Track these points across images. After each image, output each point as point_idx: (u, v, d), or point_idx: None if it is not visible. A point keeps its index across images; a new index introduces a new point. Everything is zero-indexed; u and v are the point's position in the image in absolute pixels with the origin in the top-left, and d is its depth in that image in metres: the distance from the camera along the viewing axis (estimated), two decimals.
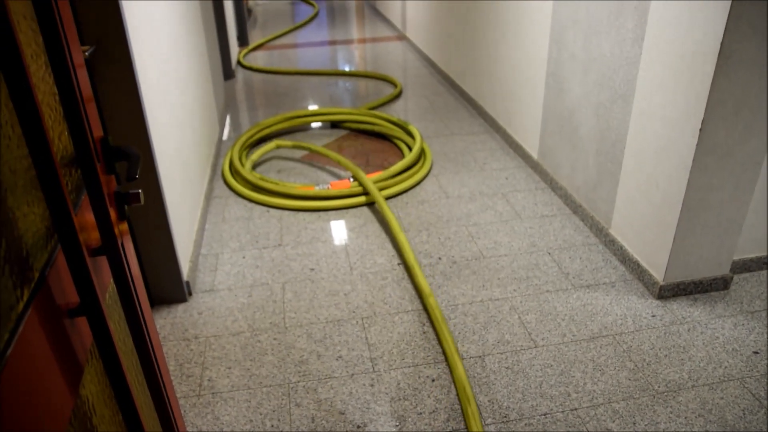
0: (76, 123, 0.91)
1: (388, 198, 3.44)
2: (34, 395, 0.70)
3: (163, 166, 2.43)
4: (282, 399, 2.08)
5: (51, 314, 0.78)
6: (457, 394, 2.05)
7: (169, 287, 2.57)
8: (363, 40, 7.87)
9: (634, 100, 2.55)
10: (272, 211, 3.36)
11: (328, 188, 3.42)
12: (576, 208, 3.19)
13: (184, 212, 2.78)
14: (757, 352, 2.23)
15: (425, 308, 2.49)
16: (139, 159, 1.09)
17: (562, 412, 1.99)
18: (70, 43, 0.93)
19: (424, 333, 2.37)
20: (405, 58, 6.79)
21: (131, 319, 1.11)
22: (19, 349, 0.68)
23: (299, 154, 4.14)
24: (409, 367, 2.20)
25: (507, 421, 1.96)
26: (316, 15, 9.98)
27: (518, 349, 2.27)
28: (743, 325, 2.37)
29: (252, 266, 2.85)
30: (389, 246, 2.97)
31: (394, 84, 5.68)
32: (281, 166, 3.95)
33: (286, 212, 3.34)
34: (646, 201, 2.54)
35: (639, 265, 2.63)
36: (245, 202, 3.47)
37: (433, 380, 2.14)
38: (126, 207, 1.23)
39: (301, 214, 3.32)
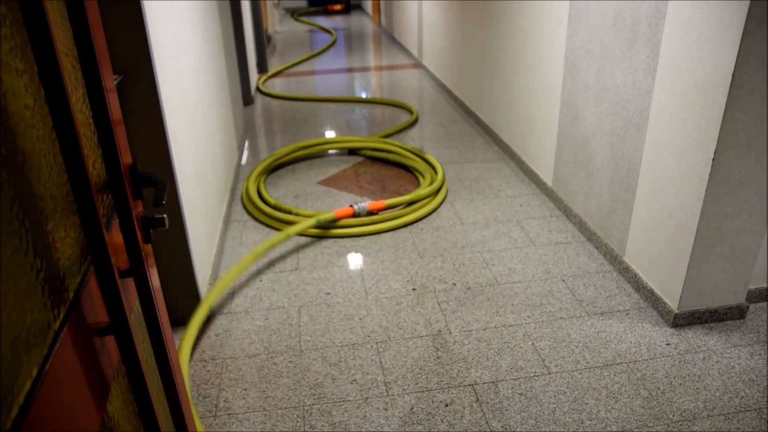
0: (110, 152, 0.97)
1: (404, 225, 3.47)
2: (67, 409, 0.74)
3: (184, 191, 2.49)
4: (297, 421, 2.10)
5: (83, 333, 0.83)
6: None
7: (188, 309, 2.62)
8: (380, 68, 8.00)
9: (647, 129, 2.59)
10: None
11: (366, 205, 3.50)
12: (590, 236, 3.20)
13: (204, 235, 2.84)
14: None
15: None
16: (165, 186, 1.14)
17: None
18: (105, 76, 0.99)
19: (438, 358, 2.39)
20: (421, 85, 6.88)
21: (155, 339, 1.16)
22: (55, 365, 0.72)
23: (317, 178, 4.20)
24: (423, 391, 2.22)
25: None
26: (333, 43, 10.17)
27: (532, 375, 2.28)
28: (760, 354, 2.36)
29: (269, 290, 2.89)
30: (404, 271, 3.01)
31: (410, 111, 5.76)
32: (299, 190, 4.01)
33: (303, 236, 3.39)
34: (660, 229, 2.56)
35: (653, 293, 2.63)
36: (263, 226, 3.53)
37: (446, 405, 2.15)
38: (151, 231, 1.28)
39: (317, 238, 3.36)
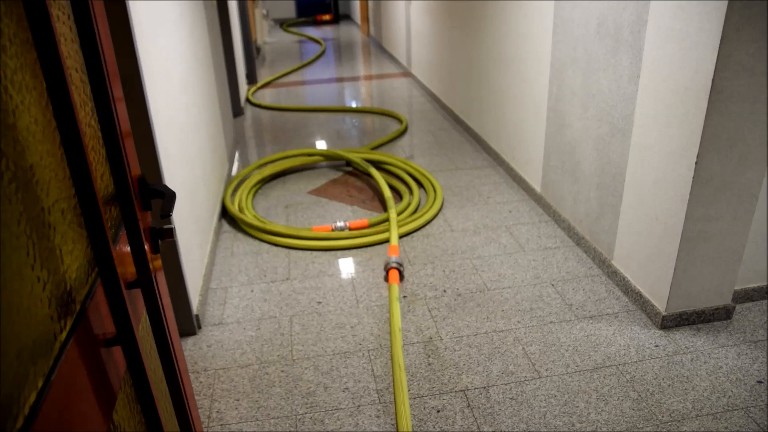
0: (118, 164, 0.98)
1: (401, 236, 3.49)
2: (73, 419, 0.75)
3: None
4: (289, 431, 2.10)
5: (90, 343, 0.84)
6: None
7: (180, 320, 2.62)
8: (369, 77, 8.04)
9: (632, 134, 2.62)
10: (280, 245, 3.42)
11: (347, 224, 3.48)
12: (579, 240, 3.23)
13: (194, 247, 2.85)
14: (761, 382, 2.24)
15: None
16: (174, 198, 1.15)
17: None
18: (113, 90, 1.00)
19: (429, 364, 2.40)
20: (410, 94, 6.93)
21: (162, 349, 1.16)
22: (61, 375, 0.73)
23: (307, 187, 4.22)
24: (415, 398, 2.23)
25: None
26: (322, 53, 10.21)
27: (522, 379, 2.30)
28: (747, 354, 2.39)
29: (260, 300, 2.90)
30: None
31: (399, 120, 5.79)
32: (288, 200, 4.02)
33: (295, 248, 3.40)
34: (647, 232, 2.59)
35: (641, 296, 2.66)
36: (253, 237, 3.54)
37: (438, 411, 2.16)
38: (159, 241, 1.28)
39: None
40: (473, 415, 2.13)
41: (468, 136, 5.24)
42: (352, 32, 13.02)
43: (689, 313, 2.55)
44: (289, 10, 16.27)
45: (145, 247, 1.08)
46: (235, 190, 4.19)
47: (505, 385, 2.28)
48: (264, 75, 8.43)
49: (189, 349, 2.56)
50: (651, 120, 2.47)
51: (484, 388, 2.26)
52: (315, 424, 2.13)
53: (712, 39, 2.06)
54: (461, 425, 2.09)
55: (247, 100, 6.92)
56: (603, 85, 2.82)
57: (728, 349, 2.42)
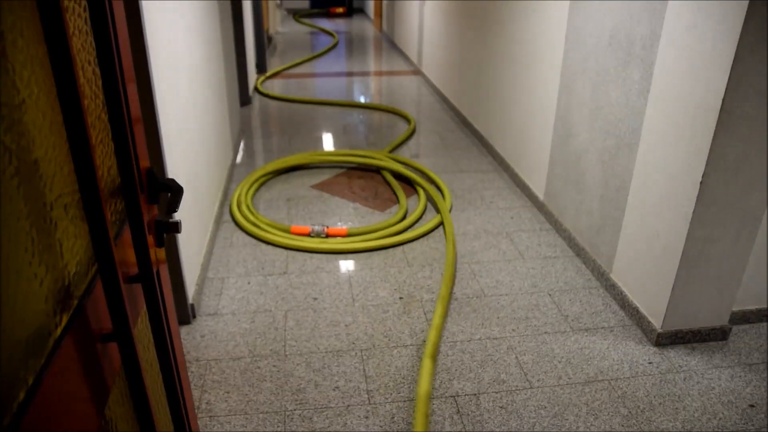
0: (125, 157, 0.97)
1: (405, 242, 3.49)
2: (64, 415, 0.74)
3: None
4: (277, 426, 2.11)
5: (85, 339, 0.83)
6: None
7: (176, 309, 2.62)
8: (379, 73, 8.03)
9: (638, 149, 2.61)
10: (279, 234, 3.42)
11: (325, 229, 3.41)
12: (579, 251, 3.22)
13: (193, 235, 2.84)
14: (753, 406, 2.24)
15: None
16: (181, 192, 1.15)
17: None
18: (126, 82, 0.99)
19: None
20: (419, 92, 6.91)
21: (160, 345, 1.16)
22: (53, 372, 0.72)
23: (311, 181, 4.21)
24: (405, 401, 2.23)
25: None
26: (335, 45, 10.19)
27: (513, 389, 2.30)
28: (740, 377, 2.38)
29: (256, 292, 2.90)
30: (392, 279, 3.02)
31: (407, 119, 5.76)
32: (291, 194, 4.02)
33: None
34: (647, 248, 2.58)
35: (638, 312, 2.66)
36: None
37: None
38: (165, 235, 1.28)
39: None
40: (462, 422, 2.13)
41: (474, 138, 5.23)
42: (364, 27, 12.99)
43: (685, 332, 2.54)
44: (302, 1, 16.23)
45: (149, 240, 1.07)
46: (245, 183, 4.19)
47: (496, 393, 2.28)
48: (274, 64, 8.42)
49: (182, 339, 2.56)
50: (658, 136, 2.46)
51: (475, 395, 2.26)
52: (303, 421, 2.13)
53: (725, 59, 2.05)
54: (450, 431, 2.09)
55: (256, 89, 6.91)
56: (612, 97, 2.81)
57: (722, 371, 2.41)
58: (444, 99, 6.40)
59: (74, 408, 0.77)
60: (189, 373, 2.36)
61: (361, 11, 16.17)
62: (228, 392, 2.26)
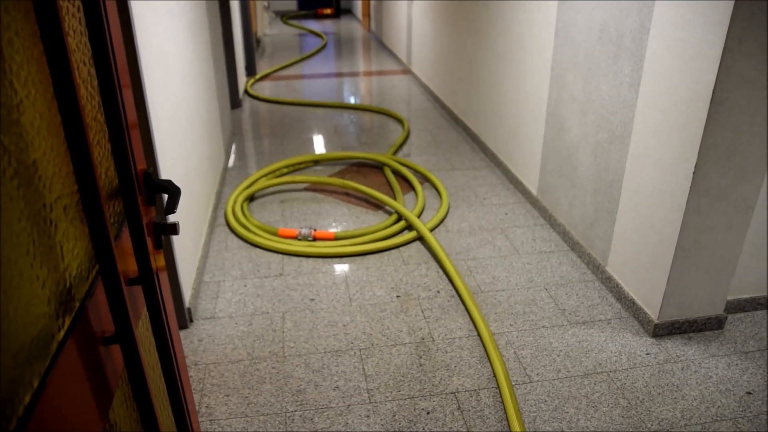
0: (122, 159, 0.97)
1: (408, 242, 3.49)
2: (69, 419, 0.73)
3: None
4: (279, 428, 2.10)
5: (88, 342, 0.83)
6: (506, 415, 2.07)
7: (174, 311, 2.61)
8: (369, 73, 8.02)
9: (630, 141, 2.62)
10: (272, 239, 3.41)
11: (312, 232, 3.39)
12: (574, 245, 3.24)
13: (188, 239, 2.83)
14: (750, 393, 2.25)
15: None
16: (178, 193, 1.14)
17: None
18: (122, 84, 0.99)
19: (420, 365, 2.40)
20: (409, 92, 6.91)
21: (161, 347, 1.15)
22: (58, 375, 0.72)
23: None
24: (405, 399, 2.23)
25: None
26: (323, 47, 10.18)
27: (513, 383, 2.30)
28: (737, 365, 2.40)
29: (253, 295, 2.89)
30: (389, 278, 3.02)
31: (399, 120, 5.73)
32: (285, 196, 4.01)
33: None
34: (642, 240, 2.59)
35: (634, 303, 2.67)
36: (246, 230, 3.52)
37: (428, 413, 2.16)
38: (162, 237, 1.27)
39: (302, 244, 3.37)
40: (463, 418, 2.14)
41: (466, 136, 5.24)
42: (352, 27, 12.98)
43: (681, 322, 2.56)
44: (290, 3, 16.20)
45: (148, 243, 1.07)
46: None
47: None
48: (263, 67, 8.40)
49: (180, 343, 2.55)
50: (650, 128, 2.47)
51: (475, 390, 2.27)
52: (304, 422, 2.13)
53: (714, 50, 2.06)
54: (451, 427, 2.10)
55: (246, 91, 6.89)
56: (603, 91, 2.82)
57: (719, 359, 2.43)
58: (435, 97, 6.40)
59: (79, 411, 0.77)
60: (188, 378, 2.34)
61: (349, 12, 16.16)
62: (228, 395, 2.25)
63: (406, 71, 8.01)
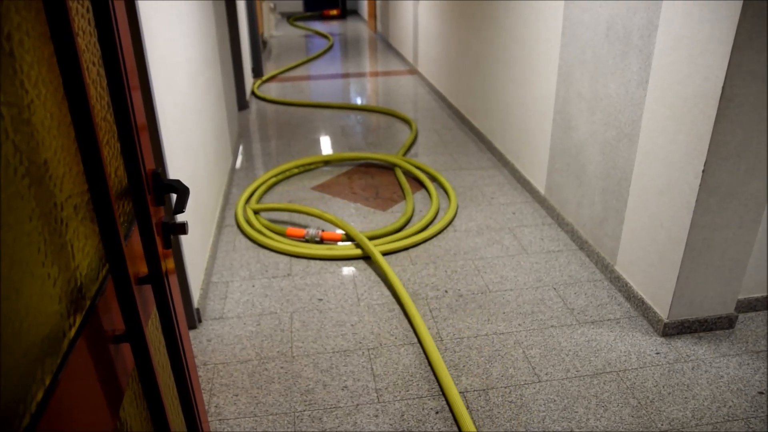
0: (132, 159, 0.97)
1: (414, 245, 3.48)
2: (80, 417, 0.74)
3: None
4: (287, 427, 2.10)
5: (99, 340, 0.83)
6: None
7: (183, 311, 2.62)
8: (375, 74, 8.03)
9: (639, 139, 2.61)
10: (282, 240, 3.42)
11: (320, 233, 3.37)
12: (582, 244, 3.22)
13: (196, 240, 2.84)
14: (762, 393, 2.23)
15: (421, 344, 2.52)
16: (187, 193, 1.14)
17: None
18: (130, 84, 0.99)
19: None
20: (416, 92, 6.91)
21: (171, 346, 1.15)
22: (69, 373, 0.72)
23: (311, 183, 4.21)
24: (414, 398, 2.23)
25: None
26: (330, 48, 10.19)
27: (522, 383, 2.29)
28: (748, 364, 2.38)
29: (261, 295, 2.89)
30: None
31: (406, 121, 5.72)
32: (292, 196, 4.02)
33: (296, 242, 3.40)
34: (651, 239, 2.58)
35: (644, 302, 2.65)
36: (256, 231, 3.53)
37: (437, 412, 2.16)
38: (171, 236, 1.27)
39: (310, 244, 3.37)
40: (472, 418, 2.13)
41: (473, 135, 5.23)
42: (358, 28, 13.00)
43: (691, 321, 2.54)
44: (296, 4, 16.24)
45: (157, 242, 1.07)
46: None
47: (505, 388, 2.27)
48: (270, 68, 8.41)
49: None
50: (659, 126, 2.46)
51: (484, 390, 2.26)
52: (313, 421, 2.13)
53: (724, 46, 2.05)
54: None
55: (253, 93, 6.91)
56: (611, 89, 2.81)
57: (730, 359, 2.41)
58: (441, 97, 6.40)
59: (90, 408, 0.77)
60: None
61: (355, 13, 16.17)
62: (237, 395, 2.26)
63: (413, 71, 8.00)
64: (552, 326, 2.62)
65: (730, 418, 2.11)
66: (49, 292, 0.69)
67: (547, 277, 3.00)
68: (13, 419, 0.58)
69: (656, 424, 2.09)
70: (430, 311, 2.74)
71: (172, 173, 2.44)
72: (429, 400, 2.22)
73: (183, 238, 2.53)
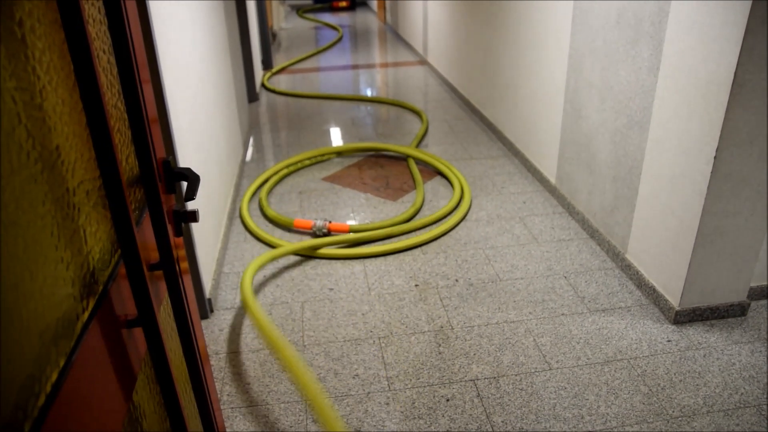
0: (143, 147, 0.98)
1: (428, 241, 3.48)
2: (94, 399, 0.75)
3: None
4: (299, 415, 2.12)
5: (111, 324, 0.84)
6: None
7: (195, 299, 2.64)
8: (385, 65, 8.01)
9: (650, 127, 2.59)
10: (292, 231, 3.43)
11: (327, 224, 3.36)
12: (593, 233, 3.21)
13: (208, 231, 2.86)
14: None
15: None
16: (198, 180, 1.15)
17: None
18: (141, 72, 1.00)
19: (439, 353, 2.41)
20: (426, 83, 6.89)
21: (183, 332, 1.17)
22: (83, 355, 0.73)
23: (321, 174, 4.22)
24: (425, 386, 2.24)
25: None
26: (339, 39, 10.17)
27: (532, 371, 2.30)
28: (760, 351, 2.37)
29: (272, 285, 2.91)
30: (407, 267, 3.02)
31: (417, 113, 5.70)
32: (303, 187, 4.03)
33: (306, 231, 3.41)
34: (662, 226, 2.57)
35: (655, 290, 2.65)
36: (266, 222, 3.55)
37: (447, 400, 2.17)
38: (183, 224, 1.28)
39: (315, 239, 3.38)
40: (483, 405, 2.14)
41: (483, 125, 5.22)
42: (368, 19, 12.96)
43: (703, 309, 2.53)
44: None
45: (168, 229, 1.08)
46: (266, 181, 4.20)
47: (516, 375, 2.28)
48: (279, 60, 8.42)
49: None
50: (670, 113, 2.44)
51: (494, 378, 2.27)
52: None
53: (736, 32, 2.02)
54: (470, 414, 2.10)
55: (263, 85, 6.92)
56: (622, 76, 2.79)
57: (742, 346, 2.40)
58: (451, 88, 6.37)
59: (104, 391, 0.78)
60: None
61: (364, 4, 16.12)
62: (249, 384, 2.28)
63: (423, 62, 7.98)
64: (563, 314, 2.62)
65: (742, 405, 2.11)
66: (62, 276, 0.70)
67: (558, 265, 3.00)
68: (28, 399, 0.60)
69: (667, 411, 2.09)
70: (441, 300, 2.75)
71: (184, 164, 2.46)
72: (440, 387, 2.23)
73: (194, 228, 2.55)
